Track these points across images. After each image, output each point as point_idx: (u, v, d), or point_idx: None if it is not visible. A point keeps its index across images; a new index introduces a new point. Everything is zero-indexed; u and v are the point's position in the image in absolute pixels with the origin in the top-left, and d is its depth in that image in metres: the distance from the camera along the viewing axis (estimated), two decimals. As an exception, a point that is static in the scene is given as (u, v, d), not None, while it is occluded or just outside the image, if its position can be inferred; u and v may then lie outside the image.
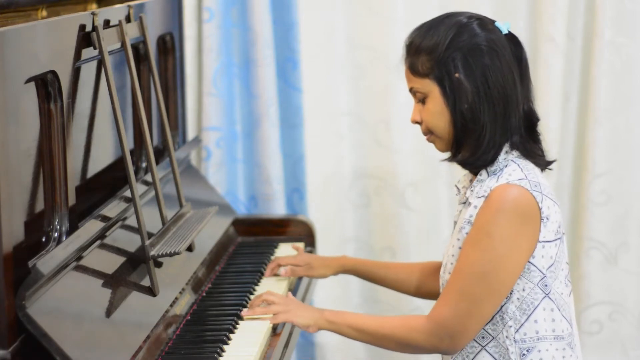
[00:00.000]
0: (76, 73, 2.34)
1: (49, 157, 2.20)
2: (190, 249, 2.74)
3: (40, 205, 2.18)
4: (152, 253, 2.42)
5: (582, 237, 3.72)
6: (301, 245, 3.19)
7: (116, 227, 2.45)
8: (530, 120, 2.37)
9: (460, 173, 3.77)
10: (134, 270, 2.41)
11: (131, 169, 2.41)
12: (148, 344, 2.30)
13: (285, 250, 3.14)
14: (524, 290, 2.29)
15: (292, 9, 3.64)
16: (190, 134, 3.59)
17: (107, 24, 2.49)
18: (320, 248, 3.50)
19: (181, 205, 2.76)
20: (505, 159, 2.33)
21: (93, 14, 2.36)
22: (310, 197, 3.75)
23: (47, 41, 2.17)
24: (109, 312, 2.21)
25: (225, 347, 2.39)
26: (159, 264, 2.51)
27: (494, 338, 2.32)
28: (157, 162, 2.87)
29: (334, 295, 3.77)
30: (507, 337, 2.30)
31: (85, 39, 2.35)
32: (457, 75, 2.30)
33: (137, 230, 2.43)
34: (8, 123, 1.98)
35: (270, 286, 2.81)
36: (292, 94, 3.68)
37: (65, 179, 2.23)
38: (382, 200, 3.78)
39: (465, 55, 2.30)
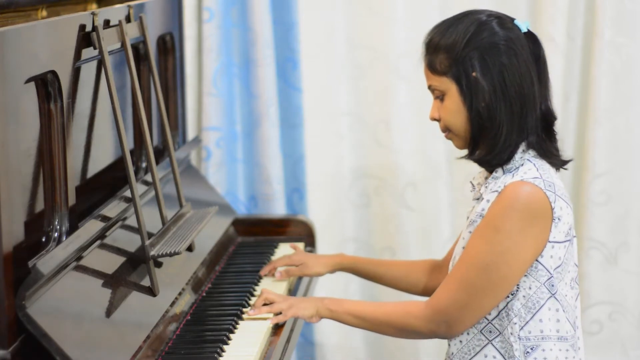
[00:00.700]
0: (76, 73, 2.34)
1: (49, 157, 2.20)
2: (190, 249, 2.74)
3: (40, 205, 2.18)
4: (152, 253, 2.42)
5: (582, 237, 3.72)
6: (301, 245, 3.19)
7: (116, 227, 2.45)
8: (547, 120, 2.38)
9: (459, 173, 3.81)
10: (134, 270, 2.41)
11: (131, 169, 2.41)
12: (148, 344, 2.30)
13: (285, 250, 3.13)
14: (530, 288, 2.30)
15: (292, 9, 3.64)
16: (190, 134, 3.59)
17: (107, 24, 2.49)
18: (320, 248, 3.50)
19: (181, 205, 2.76)
20: (521, 157, 2.34)
21: (93, 14, 2.36)
22: (310, 197, 3.75)
23: (47, 41, 2.17)
24: (109, 312, 2.21)
25: (225, 347, 2.39)
26: (159, 264, 2.51)
27: (500, 333, 2.33)
28: (157, 162, 2.87)
29: (334, 295, 3.77)
30: (511, 333, 2.31)
31: (85, 39, 2.35)
32: (474, 74, 2.31)
33: (137, 230, 2.43)
34: (8, 123, 1.98)
35: (270, 286, 2.81)
36: (292, 94, 3.68)
37: (65, 179, 2.23)
38: (382, 200, 3.78)
39: (482, 54, 2.31)
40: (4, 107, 1.95)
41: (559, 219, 2.29)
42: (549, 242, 2.29)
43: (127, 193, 2.48)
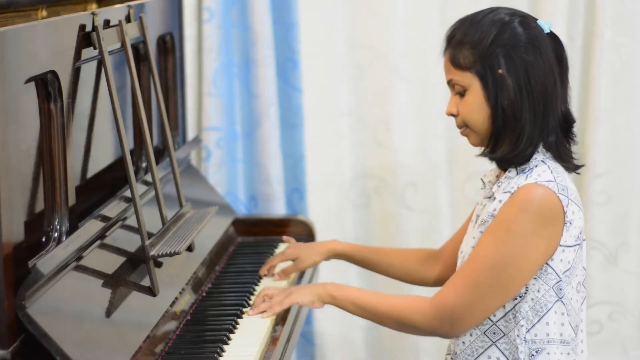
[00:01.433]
0: (76, 73, 2.34)
1: (49, 157, 2.20)
2: (190, 249, 2.74)
3: (40, 205, 2.18)
4: (152, 253, 2.42)
5: (582, 237, 3.72)
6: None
7: (116, 227, 2.45)
8: (567, 121, 2.37)
9: (459, 173, 3.81)
10: (134, 270, 2.41)
11: (131, 169, 2.41)
12: (148, 344, 2.30)
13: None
14: (538, 291, 2.29)
15: (292, 9, 3.64)
16: (190, 134, 3.59)
17: (107, 24, 2.49)
18: (320, 248, 3.50)
19: (181, 205, 2.76)
20: (536, 158, 2.33)
21: (93, 14, 2.36)
22: (310, 197, 3.75)
23: (47, 41, 2.17)
24: (109, 312, 2.21)
25: (225, 347, 2.39)
26: (159, 264, 2.51)
27: (505, 335, 2.32)
28: (157, 162, 2.87)
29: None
30: (518, 335, 2.30)
31: (85, 39, 2.35)
32: (500, 71, 2.30)
33: (137, 230, 2.43)
34: (8, 123, 1.98)
35: (270, 285, 2.81)
36: (292, 94, 3.68)
37: (65, 179, 2.23)
38: (382, 200, 3.78)
39: (508, 51, 2.30)
40: (4, 107, 1.95)
41: (570, 222, 2.28)
42: (560, 245, 2.28)
43: (127, 193, 2.48)
